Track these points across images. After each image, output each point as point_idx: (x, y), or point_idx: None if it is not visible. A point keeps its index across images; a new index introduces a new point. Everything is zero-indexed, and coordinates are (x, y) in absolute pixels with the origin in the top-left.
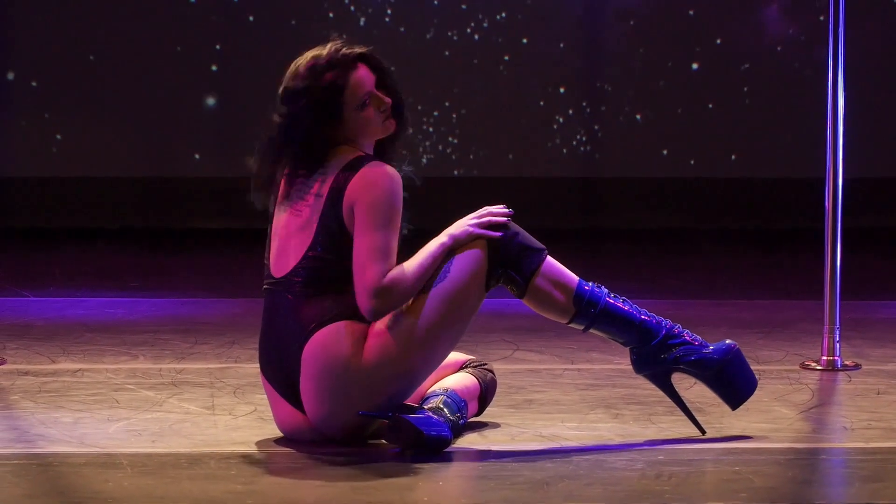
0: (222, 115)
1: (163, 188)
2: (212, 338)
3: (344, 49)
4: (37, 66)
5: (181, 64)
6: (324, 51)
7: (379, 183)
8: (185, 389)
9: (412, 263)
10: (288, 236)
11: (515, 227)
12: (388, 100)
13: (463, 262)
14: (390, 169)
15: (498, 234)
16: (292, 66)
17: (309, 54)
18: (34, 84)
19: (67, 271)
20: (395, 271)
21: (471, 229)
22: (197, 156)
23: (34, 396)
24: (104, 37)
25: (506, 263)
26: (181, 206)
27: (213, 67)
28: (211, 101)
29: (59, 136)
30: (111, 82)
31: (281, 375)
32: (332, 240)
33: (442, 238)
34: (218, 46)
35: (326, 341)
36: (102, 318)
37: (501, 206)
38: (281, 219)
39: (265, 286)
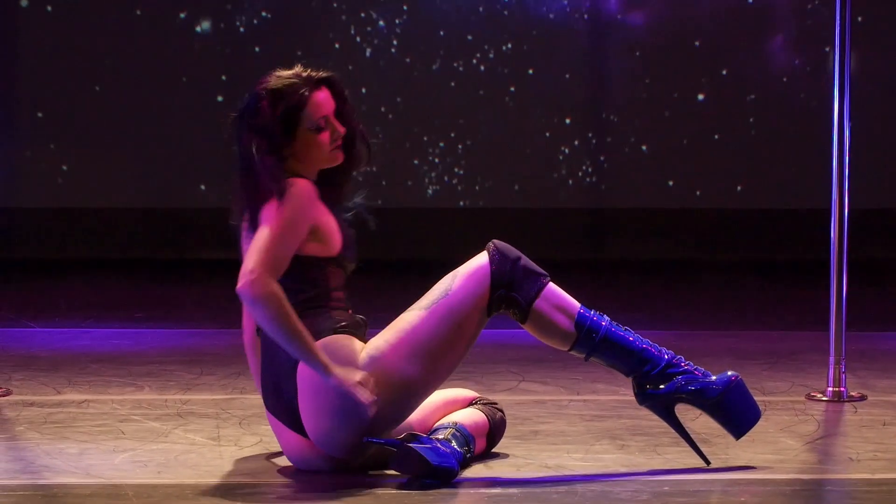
0: (228, 145)
1: (168, 219)
2: (217, 368)
3: (310, 70)
4: (42, 97)
5: (187, 94)
6: (291, 69)
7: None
8: (191, 420)
9: (292, 315)
10: None
11: (517, 252)
12: (341, 129)
13: (465, 284)
14: (302, 181)
15: (367, 418)
16: (262, 80)
17: (278, 70)
18: (40, 114)
19: (73, 302)
20: (279, 293)
21: (348, 388)
22: (203, 186)
23: (39, 427)
24: (110, 67)
25: (508, 286)
26: (187, 237)
27: (219, 98)
28: (206, 25)
29: (64, 167)
30: (117, 113)
31: (281, 403)
32: None
33: (325, 361)
34: (224, 77)
35: None
36: (108, 348)
37: (370, 394)
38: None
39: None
